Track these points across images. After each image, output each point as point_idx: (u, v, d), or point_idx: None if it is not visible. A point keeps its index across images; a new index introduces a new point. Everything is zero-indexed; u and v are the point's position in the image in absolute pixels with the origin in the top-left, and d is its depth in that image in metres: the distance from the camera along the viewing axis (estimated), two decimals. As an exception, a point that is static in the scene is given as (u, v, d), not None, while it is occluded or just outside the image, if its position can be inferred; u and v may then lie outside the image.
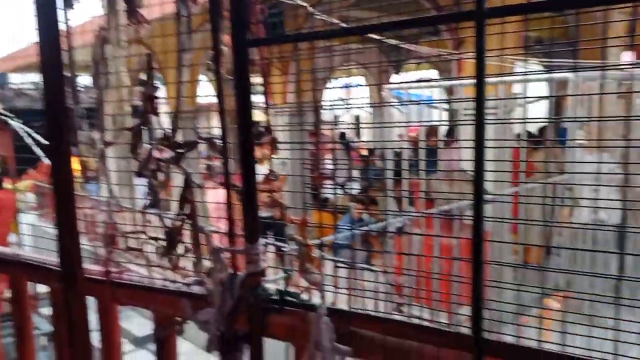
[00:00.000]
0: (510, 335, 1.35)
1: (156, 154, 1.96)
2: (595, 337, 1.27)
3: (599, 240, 3.88)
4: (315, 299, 1.61)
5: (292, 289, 1.66)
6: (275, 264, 1.89)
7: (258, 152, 1.86)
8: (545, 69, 4.67)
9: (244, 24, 1.63)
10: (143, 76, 1.95)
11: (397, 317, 1.50)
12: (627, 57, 6.41)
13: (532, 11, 1.25)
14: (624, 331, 1.19)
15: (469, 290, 1.41)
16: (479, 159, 1.29)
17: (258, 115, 1.80)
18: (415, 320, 1.51)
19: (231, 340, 1.72)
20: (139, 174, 2.01)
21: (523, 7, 1.29)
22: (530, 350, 1.30)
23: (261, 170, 1.86)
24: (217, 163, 1.89)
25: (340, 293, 1.73)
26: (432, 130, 4.38)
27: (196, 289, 1.82)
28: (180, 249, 1.86)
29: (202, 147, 1.88)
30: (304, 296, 1.65)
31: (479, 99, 1.29)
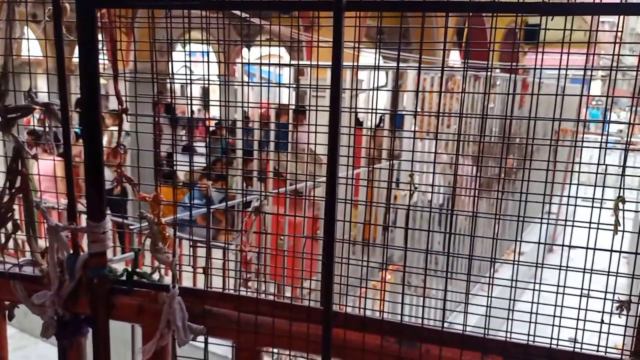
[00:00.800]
0: (352, 306, 1.46)
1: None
2: (425, 306, 1.45)
3: (425, 217, 4.36)
4: (167, 279, 1.57)
5: (142, 269, 1.60)
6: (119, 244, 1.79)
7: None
8: (384, 59, 5.04)
9: (91, -19, 1.49)
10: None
11: (251, 294, 1.53)
12: (455, 55, 7.21)
13: (386, 9, 1.34)
14: (449, 300, 1.38)
15: (315, 265, 1.49)
16: (333, 144, 1.37)
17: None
18: (270, 296, 1.56)
19: (70, 324, 1.60)
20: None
21: (379, 4, 1.38)
22: (372, 320, 1.43)
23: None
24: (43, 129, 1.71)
25: (188, 271, 1.72)
26: (283, 108, 4.46)
27: (29, 270, 1.65)
28: (9, 226, 1.67)
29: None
30: (155, 276, 1.60)
31: (336, 87, 1.36)
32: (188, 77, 1.68)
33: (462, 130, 1.52)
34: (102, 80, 1.76)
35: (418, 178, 3.18)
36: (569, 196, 1.36)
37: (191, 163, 1.57)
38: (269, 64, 1.84)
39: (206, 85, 1.71)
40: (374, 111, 1.55)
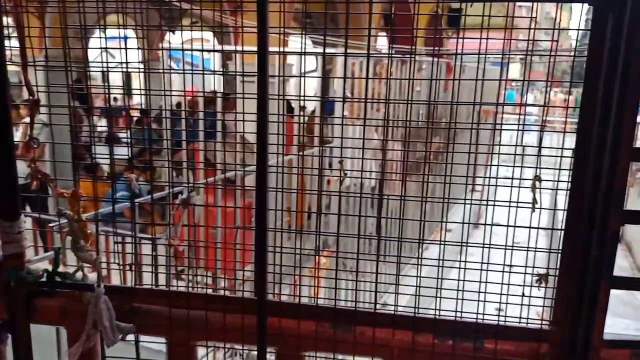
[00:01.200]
0: (287, 294, 1.46)
1: None
2: (361, 290, 1.47)
3: (358, 200, 4.43)
4: (93, 277, 1.50)
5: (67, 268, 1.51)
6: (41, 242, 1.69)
7: (13, 114, 1.61)
8: (314, 44, 5.03)
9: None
10: None
11: (183, 289, 1.49)
12: (383, 40, 7.32)
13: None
14: (381, 283, 1.40)
15: (249, 255, 1.47)
16: (262, 131, 1.35)
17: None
18: (202, 290, 1.52)
19: (-14, 331, 1.49)
20: None
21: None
22: (307, 306, 1.43)
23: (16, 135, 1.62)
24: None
25: (116, 269, 1.65)
26: (211, 95, 4.35)
27: None
28: None
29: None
30: (78, 275, 1.52)
31: (262, 73, 1.33)
32: (106, 64, 1.60)
33: (391, 115, 1.53)
34: (15, 68, 1.63)
35: (350, 163, 3.22)
36: (489, 177, 1.42)
37: (112, 155, 1.49)
38: (192, 50, 1.78)
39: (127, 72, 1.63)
40: (303, 98, 1.53)
